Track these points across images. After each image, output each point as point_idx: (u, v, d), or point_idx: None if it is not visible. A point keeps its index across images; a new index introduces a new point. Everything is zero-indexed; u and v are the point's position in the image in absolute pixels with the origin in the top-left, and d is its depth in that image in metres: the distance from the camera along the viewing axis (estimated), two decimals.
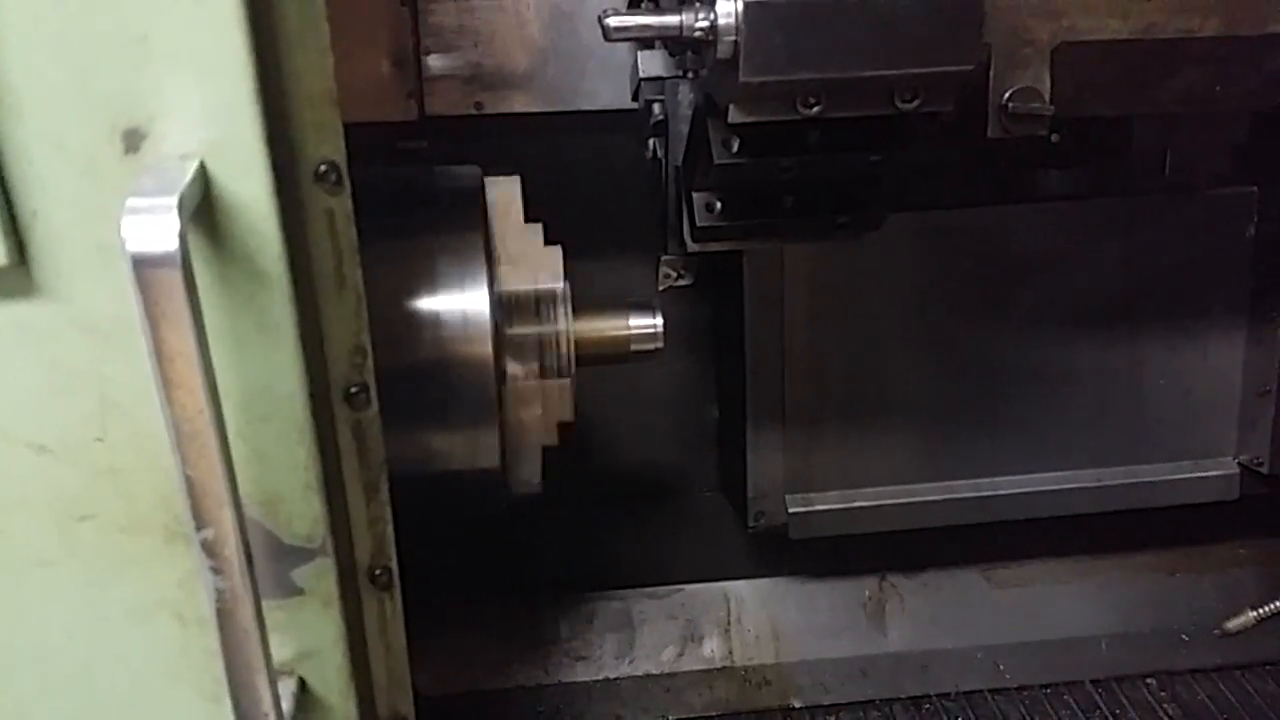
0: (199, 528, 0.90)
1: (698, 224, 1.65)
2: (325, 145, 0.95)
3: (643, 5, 1.73)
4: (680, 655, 2.49)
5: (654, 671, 2.47)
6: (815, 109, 1.29)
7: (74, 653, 1.06)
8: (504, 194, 1.58)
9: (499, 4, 2.01)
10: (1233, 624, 1.82)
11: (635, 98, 1.81)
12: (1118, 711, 2.39)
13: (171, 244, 0.81)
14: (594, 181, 2.13)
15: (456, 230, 1.50)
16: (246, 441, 0.98)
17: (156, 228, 0.81)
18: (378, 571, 1.14)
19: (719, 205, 1.63)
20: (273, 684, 0.98)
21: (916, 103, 1.30)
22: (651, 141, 1.82)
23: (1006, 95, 1.42)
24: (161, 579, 1.04)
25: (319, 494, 1.03)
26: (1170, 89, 1.50)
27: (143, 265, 0.81)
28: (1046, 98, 1.43)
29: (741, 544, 2.47)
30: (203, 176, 0.88)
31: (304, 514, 1.03)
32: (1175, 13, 1.41)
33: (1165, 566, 2.56)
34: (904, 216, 2.09)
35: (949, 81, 1.29)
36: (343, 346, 1.04)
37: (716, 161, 1.45)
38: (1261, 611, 1.82)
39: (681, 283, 2.23)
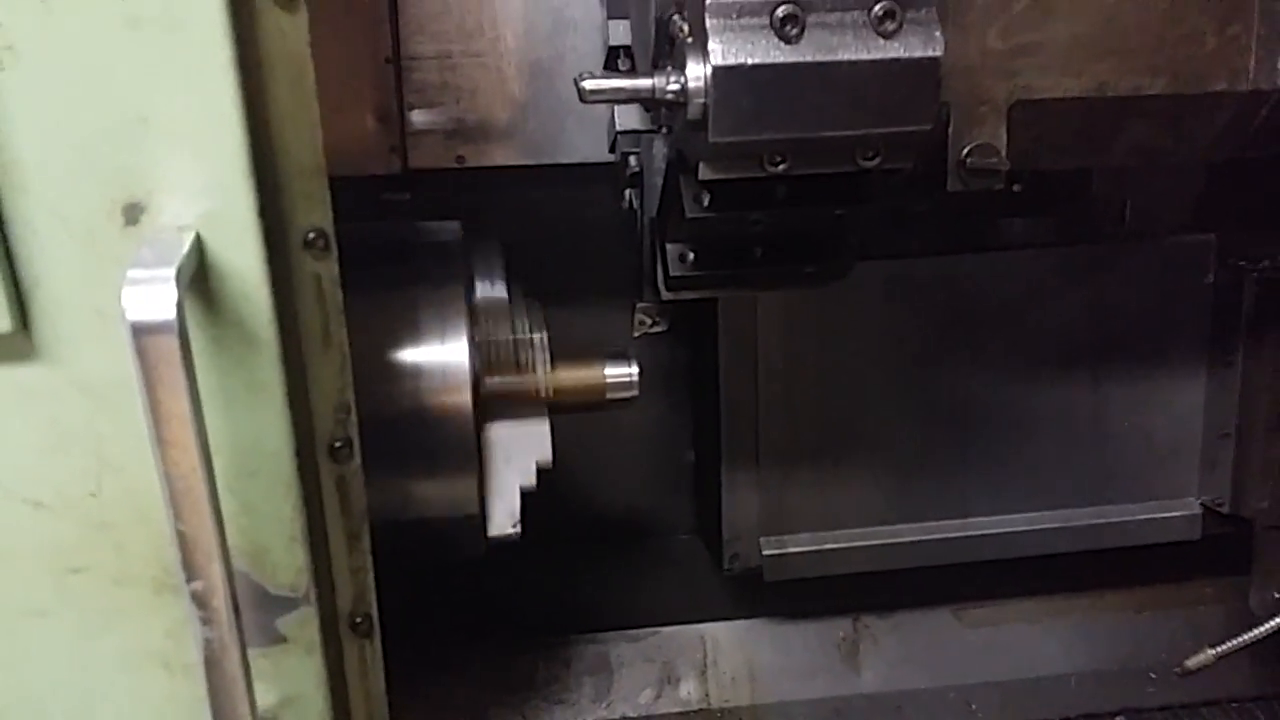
0: (189, 579, 0.94)
1: (671, 273, 1.70)
2: (314, 214, 1.00)
3: (619, 64, 1.80)
4: (658, 697, 2.51)
5: (631, 714, 2.48)
6: (781, 166, 1.34)
7: (66, 700, 1.09)
8: (485, 248, 1.63)
9: (481, 61, 2.06)
10: (1193, 662, 1.87)
11: (612, 150, 1.86)
12: None
13: (170, 313, 0.86)
14: (572, 232, 2.18)
15: (438, 283, 1.55)
16: (235, 495, 1.03)
17: (156, 298, 0.85)
18: (358, 619, 1.18)
19: (691, 256, 1.68)
20: None
21: (877, 160, 1.35)
22: (627, 193, 1.87)
23: (965, 151, 1.47)
24: (151, 629, 1.08)
25: (303, 545, 1.07)
26: (1122, 143, 1.55)
27: (142, 333, 0.86)
28: (1003, 153, 1.47)
29: (717, 586, 2.49)
30: (198, 247, 0.93)
31: (289, 564, 1.07)
32: (1125, 72, 1.46)
33: (1133, 605, 2.61)
34: (875, 265, 2.15)
35: (908, 140, 1.34)
36: (328, 403, 1.08)
37: (688, 215, 1.50)
38: (1220, 649, 1.87)
39: (656, 329, 2.28)
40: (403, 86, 2.01)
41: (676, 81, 1.29)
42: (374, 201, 2.05)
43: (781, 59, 1.26)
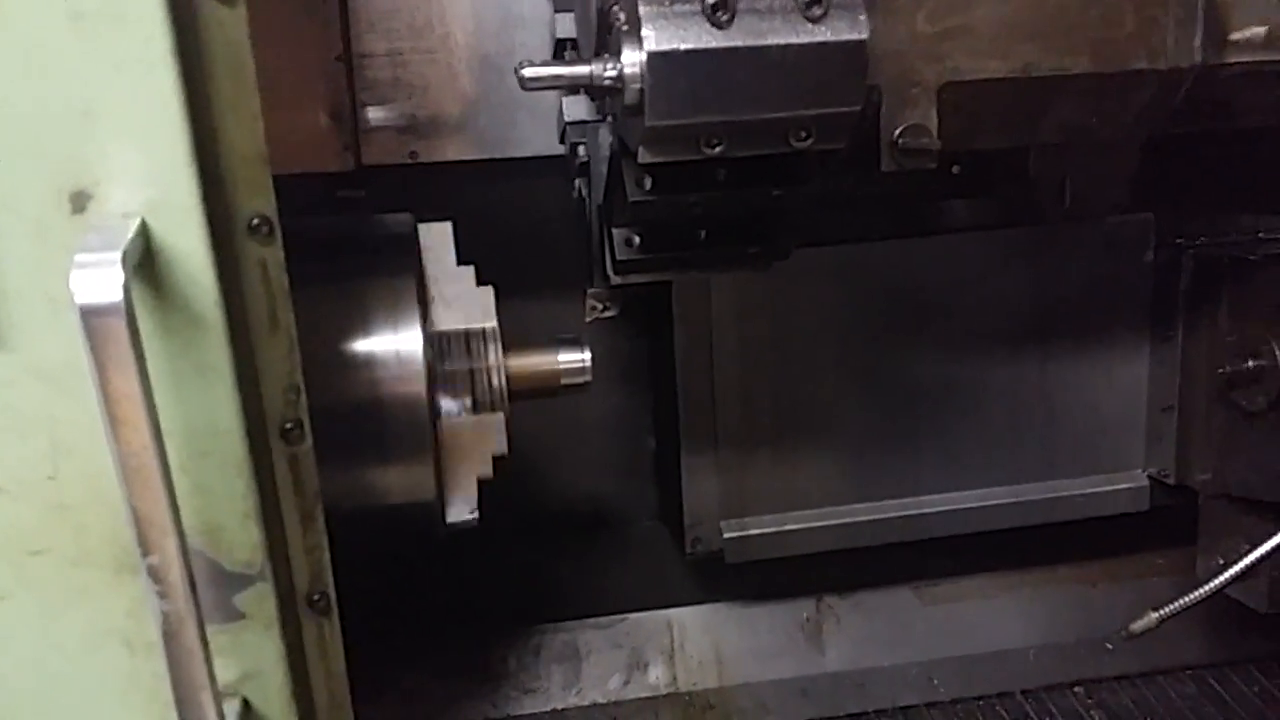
0: (145, 554, 0.97)
1: (618, 258, 1.74)
2: (257, 200, 1.04)
3: (566, 56, 1.84)
4: (626, 683, 2.54)
5: (601, 700, 2.52)
6: (718, 149, 1.39)
7: (29, 681, 1.12)
8: (436, 238, 1.66)
9: (431, 57, 2.09)
10: (1136, 625, 1.93)
11: (562, 140, 1.90)
12: (1047, 719, 2.49)
13: (116, 295, 0.89)
14: (525, 224, 2.22)
15: (391, 274, 1.58)
16: (189, 475, 1.06)
17: (102, 281, 0.89)
18: (316, 597, 1.21)
19: (638, 239, 1.72)
20: (217, 702, 1.04)
21: (810, 141, 1.40)
22: (577, 182, 1.90)
23: (897, 132, 1.50)
24: (111, 609, 1.11)
25: (257, 523, 1.10)
26: (1049, 122, 1.59)
27: (90, 315, 0.89)
28: (935, 133, 1.51)
29: (682, 571, 2.53)
30: (144, 233, 0.96)
31: (244, 542, 1.10)
32: (1049, 53, 1.50)
33: (1086, 578, 2.67)
34: (825, 251, 2.21)
35: (839, 121, 1.40)
36: (277, 385, 1.12)
37: (631, 199, 1.55)
38: (1163, 612, 1.93)
39: (607, 314, 2.32)
40: (355, 84, 2.04)
41: (614, 68, 1.34)
42: (329, 199, 2.09)
43: (713, 44, 1.31)
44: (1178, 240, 2.33)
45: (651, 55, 1.29)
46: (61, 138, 0.94)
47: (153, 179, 0.96)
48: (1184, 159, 2.23)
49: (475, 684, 2.49)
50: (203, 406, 1.04)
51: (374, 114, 2.09)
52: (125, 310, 0.89)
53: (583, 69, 1.38)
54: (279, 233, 1.07)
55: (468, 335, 1.63)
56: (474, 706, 2.48)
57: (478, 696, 2.48)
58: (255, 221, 1.04)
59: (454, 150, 2.12)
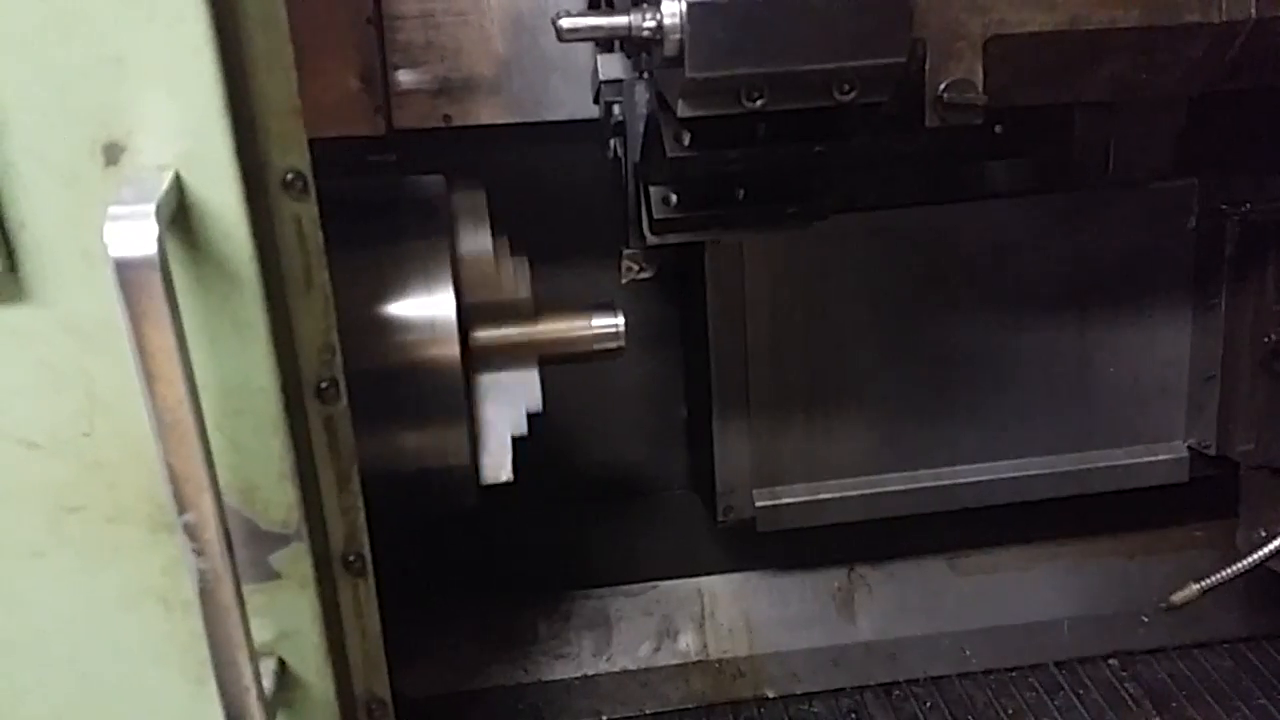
0: (181, 512, 0.96)
1: (655, 216, 1.71)
2: (291, 155, 1.02)
3: (600, 9, 1.81)
4: (656, 650, 2.55)
5: (631, 667, 2.52)
6: (759, 102, 1.36)
7: (65, 639, 1.12)
8: (469, 202, 1.65)
9: (464, 19, 2.07)
10: (1178, 597, 1.90)
11: (596, 100, 1.88)
12: (1081, 692, 2.47)
13: (150, 248, 0.88)
14: (560, 188, 2.20)
15: (424, 236, 1.57)
16: (224, 433, 1.05)
17: (136, 233, 0.88)
18: (351, 558, 1.21)
19: (675, 198, 1.69)
20: (253, 660, 1.04)
21: (854, 94, 1.37)
22: (612, 142, 1.88)
23: (942, 87, 1.48)
24: (147, 567, 1.11)
25: (293, 483, 1.09)
26: (1097, 78, 1.56)
27: (124, 268, 0.88)
28: (980, 88, 1.48)
29: (713, 540, 2.53)
30: (178, 186, 0.95)
31: (279, 501, 1.09)
32: (1098, 5, 1.47)
33: (1123, 550, 2.64)
34: (860, 215, 2.17)
35: (883, 73, 1.36)
36: (312, 344, 1.11)
37: (669, 155, 1.52)
38: (1204, 584, 1.90)
39: (643, 276, 2.29)
40: (385, 47, 2.02)
41: (653, 18, 1.31)
42: (361, 163, 2.07)
43: None
44: (1222, 206, 2.27)
45: (691, 4, 1.27)
46: (93, 88, 0.93)
47: (186, 130, 0.95)
48: (1228, 122, 2.18)
49: (507, 649, 2.50)
50: (238, 363, 1.03)
51: (406, 77, 2.07)
52: (160, 263, 0.89)
53: (621, 19, 1.35)
54: (313, 189, 1.06)
55: (500, 299, 1.62)
56: (505, 671, 2.49)
57: (509, 661, 2.50)
58: (290, 177, 1.03)
59: (488, 113, 2.10)
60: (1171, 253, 2.33)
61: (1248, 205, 2.26)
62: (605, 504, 2.51)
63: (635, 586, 2.56)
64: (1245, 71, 1.59)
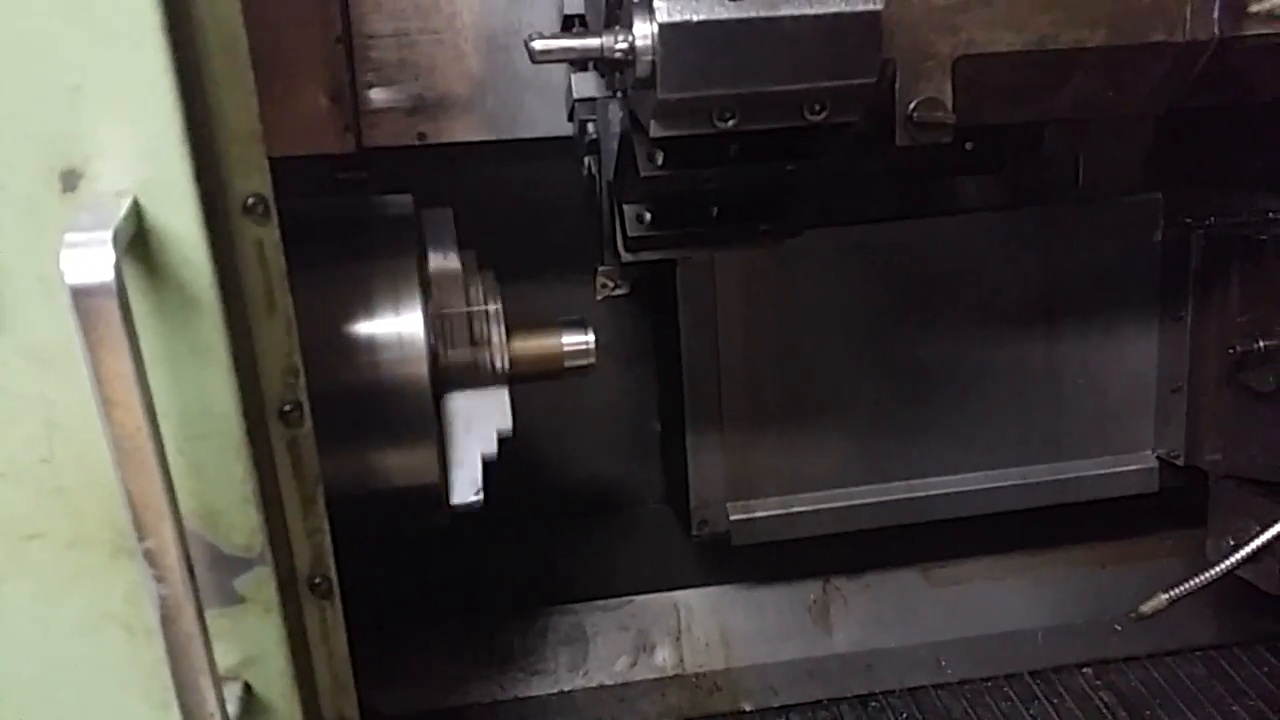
0: (141, 538, 0.96)
1: (629, 234, 1.72)
2: (252, 179, 1.02)
3: (574, 30, 1.82)
4: (633, 665, 2.54)
5: (608, 682, 2.52)
6: (731, 122, 1.37)
7: (27, 665, 1.11)
8: (437, 221, 1.65)
9: (438, 37, 2.07)
10: (1146, 607, 1.91)
11: (570, 118, 1.88)
12: (1055, 701, 2.48)
13: (107, 275, 0.87)
14: (534, 205, 2.20)
15: (392, 255, 1.56)
16: (186, 457, 1.05)
17: (93, 260, 0.87)
18: (317, 580, 1.20)
19: (648, 216, 1.70)
20: (217, 685, 1.03)
21: (825, 114, 1.38)
22: (587, 160, 1.89)
23: (912, 106, 1.48)
24: (109, 592, 1.10)
25: (256, 506, 1.09)
26: (1065, 96, 1.57)
27: (81, 295, 0.88)
28: (949, 107, 1.49)
29: (689, 553, 2.53)
30: (136, 212, 0.95)
31: (242, 525, 1.09)
32: (1066, 25, 1.48)
33: (1095, 560, 2.66)
34: (832, 231, 2.18)
35: (853, 93, 1.38)
36: (276, 367, 1.10)
37: (642, 174, 1.53)
38: (1173, 593, 1.91)
39: (618, 292, 2.30)
40: (355, 66, 2.02)
41: (625, 40, 1.32)
42: (330, 181, 2.07)
43: (726, 15, 1.29)
44: (1187, 220, 2.30)
45: (663, 26, 1.28)
46: (51, 114, 0.93)
47: (145, 156, 0.94)
48: (1193, 139, 2.21)
49: (483, 666, 2.50)
50: (198, 388, 1.03)
51: (380, 95, 2.06)
52: (117, 290, 0.88)
53: (593, 41, 1.36)
54: (275, 212, 1.05)
55: (470, 317, 1.62)
56: (482, 688, 2.48)
57: (486, 678, 2.49)
58: (250, 201, 1.03)
59: (461, 131, 2.10)
60: (1138, 267, 2.35)
61: (1212, 219, 2.29)
62: (580, 519, 2.51)
63: (611, 601, 2.56)
64: (1207, 89, 1.60)
